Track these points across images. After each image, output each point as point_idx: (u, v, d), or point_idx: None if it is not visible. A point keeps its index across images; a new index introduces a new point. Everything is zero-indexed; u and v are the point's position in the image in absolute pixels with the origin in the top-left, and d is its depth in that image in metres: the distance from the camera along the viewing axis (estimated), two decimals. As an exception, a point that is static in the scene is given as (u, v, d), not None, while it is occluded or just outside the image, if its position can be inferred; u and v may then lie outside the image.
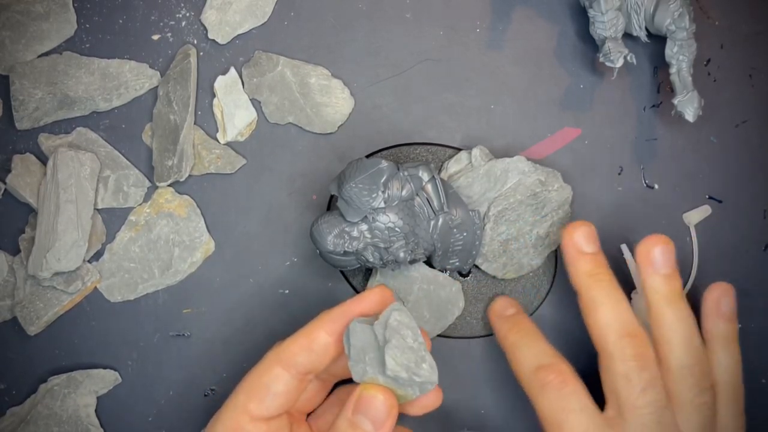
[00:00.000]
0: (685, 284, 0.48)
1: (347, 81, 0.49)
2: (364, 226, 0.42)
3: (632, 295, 0.46)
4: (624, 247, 0.47)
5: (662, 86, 0.51)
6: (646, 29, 0.49)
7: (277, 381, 0.38)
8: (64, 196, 0.45)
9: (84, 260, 0.46)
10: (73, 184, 0.45)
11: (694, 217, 0.49)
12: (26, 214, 0.47)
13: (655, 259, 0.42)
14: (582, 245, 0.43)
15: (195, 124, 0.48)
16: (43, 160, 0.47)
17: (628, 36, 0.49)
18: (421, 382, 0.36)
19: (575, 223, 0.43)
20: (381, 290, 0.40)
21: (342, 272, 0.47)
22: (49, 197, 0.45)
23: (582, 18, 0.51)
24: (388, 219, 0.41)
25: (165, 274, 0.47)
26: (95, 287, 0.47)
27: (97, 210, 0.47)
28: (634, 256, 0.45)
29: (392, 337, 0.36)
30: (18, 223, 0.47)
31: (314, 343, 0.38)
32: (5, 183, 0.47)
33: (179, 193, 0.48)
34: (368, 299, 0.39)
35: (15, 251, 0.47)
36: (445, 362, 0.47)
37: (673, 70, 0.47)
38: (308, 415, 0.43)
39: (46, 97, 0.48)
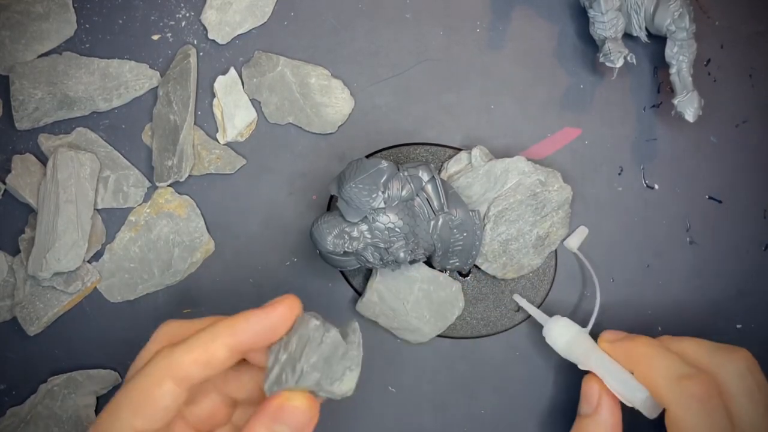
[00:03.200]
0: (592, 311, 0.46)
1: (347, 81, 0.49)
2: (364, 227, 0.42)
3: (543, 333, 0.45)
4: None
5: (662, 86, 0.51)
6: (646, 29, 0.49)
7: (167, 396, 0.33)
8: (63, 196, 0.45)
9: (84, 260, 0.46)
10: (73, 184, 0.45)
11: (574, 241, 0.48)
12: (26, 214, 0.47)
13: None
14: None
15: (195, 124, 0.48)
16: (43, 160, 0.47)
17: (628, 36, 0.49)
18: (343, 392, 0.34)
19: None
20: (289, 300, 0.35)
21: (342, 272, 0.47)
22: (49, 197, 0.45)
23: (582, 18, 0.51)
24: (388, 219, 0.41)
25: (165, 274, 0.47)
26: (95, 287, 0.47)
27: (97, 210, 0.47)
28: None
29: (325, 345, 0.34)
30: (18, 223, 0.47)
31: (213, 359, 0.33)
32: (5, 183, 0.47)
33: (179, 193, 0.48)
34: (276, 311, 0.34)
35: (15, 251, 0.47)
36: (445, 362, 0.47)
37: (673, 70, 0.47)
38: None
39: (46, 97, 0.48)
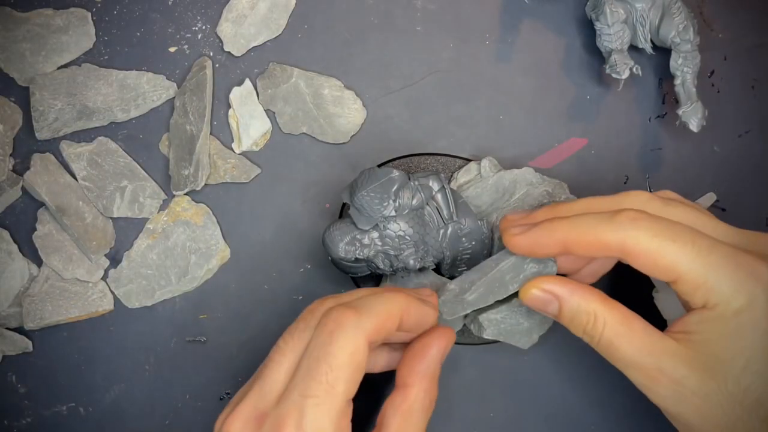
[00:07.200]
0: None
1: (359, 92, 0.50)
2: (375, 234, 0.42)
3: (654, 294, 0.47)
4: None
5: (667, 97, 0.51)
6: (652, 41, 0.50)
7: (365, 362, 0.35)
8: (61, 198, 0.46)
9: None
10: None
11: (703, 204, 0.49)
12: (41, 211, 0.48)
13: None
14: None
15: (211, 134, 0.49)
16: (63, 163, 0.48)
17: (633, 48, 0.50)
18: None
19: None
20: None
21: (353, 278, 0.48)
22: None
23: (589, 31, 0.51)
24: (399, 227, 0.42)
25: (182, 280, 0.48)
26: (106, 312, 0.48)
27: (113, 219, 0.48)
28: None
29: None
30: (32, 221, 0.48)
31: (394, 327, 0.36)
32: (23, 180, 0.48)
33: (195, 201, 0.49)
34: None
35: (30, 248, 0.48)
36: (454, 368, 0.48)
37: (677, 81, 0.48)
38: None
39: (66, 108, 0.49)
